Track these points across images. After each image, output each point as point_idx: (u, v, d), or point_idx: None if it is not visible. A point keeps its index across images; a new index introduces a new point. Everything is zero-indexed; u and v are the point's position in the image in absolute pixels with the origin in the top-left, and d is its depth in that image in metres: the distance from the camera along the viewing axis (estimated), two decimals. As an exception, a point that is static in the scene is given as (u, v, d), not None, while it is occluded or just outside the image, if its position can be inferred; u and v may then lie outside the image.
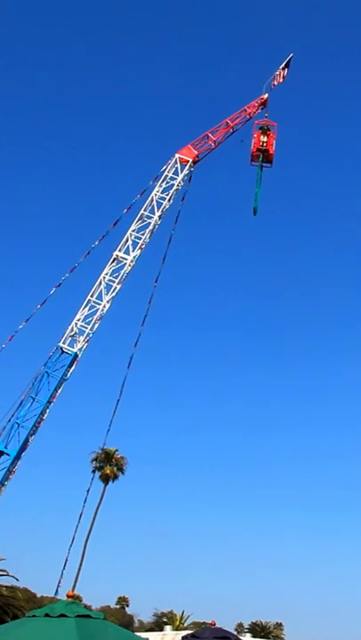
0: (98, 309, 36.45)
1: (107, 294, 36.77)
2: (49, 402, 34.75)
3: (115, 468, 68.68)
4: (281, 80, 40.76)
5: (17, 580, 41.23)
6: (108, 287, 36.94)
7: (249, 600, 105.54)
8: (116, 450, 68.40)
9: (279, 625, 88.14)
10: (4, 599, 37.92)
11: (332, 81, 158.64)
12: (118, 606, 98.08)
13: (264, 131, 40.67)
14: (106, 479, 67.17)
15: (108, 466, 67.86)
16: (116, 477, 68.62)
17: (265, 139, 40.36)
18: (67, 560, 37.52)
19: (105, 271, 37.27)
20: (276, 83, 40.89)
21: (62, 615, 9.55)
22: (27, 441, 34.00)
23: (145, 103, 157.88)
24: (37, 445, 35.35)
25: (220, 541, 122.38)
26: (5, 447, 33.37)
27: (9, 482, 33.38)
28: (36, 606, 32.14)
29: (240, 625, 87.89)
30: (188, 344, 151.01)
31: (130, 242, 37.80)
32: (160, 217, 38.78)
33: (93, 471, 67.20)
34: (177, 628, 50.78)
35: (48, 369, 35.04)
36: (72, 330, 35.87)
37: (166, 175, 39.22)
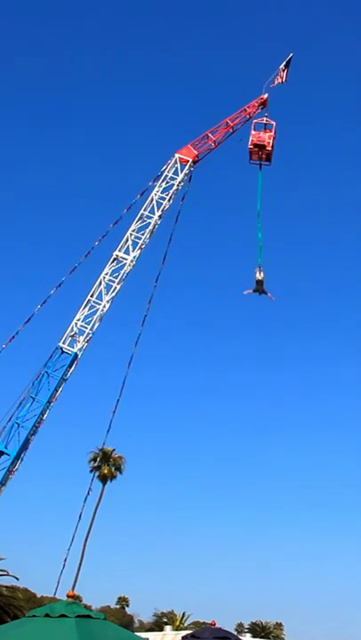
0: (98, 309, 36.42)
1: (107, 294, 36.73)
2: (49, 402, 34.71)
3: (113, 468, 68.66)
4: (282, 80, 40.65)
5: (17, 579, 41.27)
6: (108, 287, 36.91)
7: (249, 600, 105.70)
8: (114, 449, 68.40)
9: (279, 625, 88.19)
10: (4, 599, 37.91)
11: (333, 81, 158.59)
12: (118, 606, 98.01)
13: (262, 127, 40.57)
14: (104, 479, 67.16)
15: (105, 465, 67.84)
16: (114, 477, 68.62)
17: (263, 135, 40.20)
18: (66, 560, 37.51)
19: (105, 271, 37.23)
20: (276, 83, 40.81)
21: (62, 615, 9.55)
22: (27, 441, 33.96)
23: (145, 103, 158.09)
24: (36, 445, 35.31)
25: (220, 541, 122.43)
26: (5, 447, 33.34)
27: (9, 482, 33.34)
28: (36, 606, 32.05)
29: (240, 625, 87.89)
30: (188, 343, 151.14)
31: (130, 242, 37.76)
32: (160, 217, 38.73)
33: (92, 471, 67.25)
34: (177, 628, 50.80)
35: (48, 369, 34.99)
36: (72, 330, 35.83)
37: (166, 175, 39.18)
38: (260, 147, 40.05)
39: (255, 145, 40.01)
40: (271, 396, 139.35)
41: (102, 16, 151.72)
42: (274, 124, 40.70)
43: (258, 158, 40.52)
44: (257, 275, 37.45)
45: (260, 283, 37.36)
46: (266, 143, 39.99)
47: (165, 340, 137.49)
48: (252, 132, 40.30)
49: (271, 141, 40.24)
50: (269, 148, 40.18)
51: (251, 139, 40.08)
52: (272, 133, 40.42)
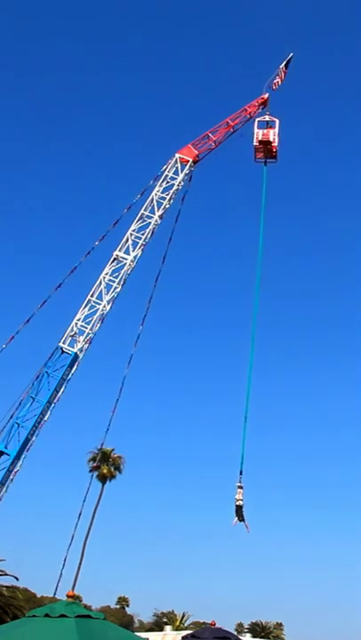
0: (98, 309, 36.38)
1: (107, 294, 36.70)
2: (50, 402, 34.64)
3: (112, 468, 68.69)
4: (280, 81, 40.61)
5: (17, 579, 41.23)
6: (109, 287, 36.87)
7: (249, 600, 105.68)
8: (113, 449, 68.41)
9: (279, 625, 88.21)
10: (4, 599, 37.90)
11: (334, 81, 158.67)
12: (118, 606, 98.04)
13: (265, 125, 40.56)
14: (103, 479, 67.19)
15: (105, 465, 67.85)
16: (113, 477, 68.67)
17: (267, 132, 40.17)
18: (66, 560, 37.51)
19: (105, 271, 37.19)
20: (275, 82, 40.77)
21: (62, 615, 9.56)
22: (27, 441, 33.92)
23: (145, 103, 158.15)
24: (36, 445, 35.27)
25: (220, 541, 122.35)
26: (5, 447, 33.31)
27: (11, 482, 33.28)
28: (36, 606, 32.06)
29: (240, 625, 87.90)
30: (188, 343, 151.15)
31: (130, 242, 37.72)
32: (160, 217, 38.69)
33: (91, 471, 67.27)
34: (177, 628, 50.79)
35: (48, 369, 34.95)
36: (72, 330, 35.79)
37: (167, 175, 39.14)
38: (266, 143, 40.00)
39: (261, 142, 39.97)
40: (272, 397, 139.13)
41: (102, 15, 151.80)
42: (277, 121, 40.75)
43: (263, 156, 40.48)
44: (237, 496, 32.20)
45: (239, 509, 32.17)
46: (272, 139, 39.95)
47: (165, 339, 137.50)
48: (256, 130, 40.29)
49: (276, 138, 40.22)
50: (275, 144, 40.15)
51: (255, 136, 40.06)
52: (276, 130, 40.42)
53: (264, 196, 39.68)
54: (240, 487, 32.13)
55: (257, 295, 36.99)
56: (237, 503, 31.75)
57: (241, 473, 32.36)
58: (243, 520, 31.99)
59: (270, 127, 40.52)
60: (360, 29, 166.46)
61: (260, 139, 39.94)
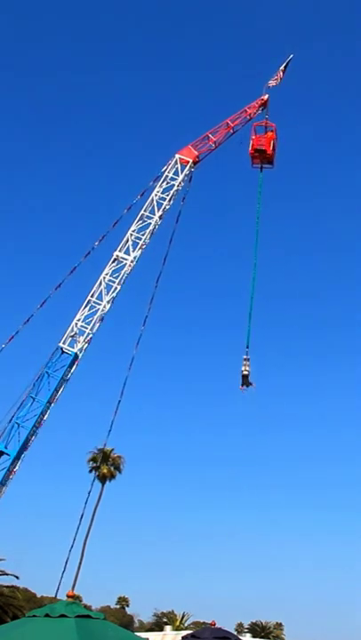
0: (98, 309, 36.38)
1: (107, 294, 36.70)
2: (49, 402, 34.66)
3: (112, 468, 68.66)
4: (278, 82, 40.55)
5: (17, 578, 41.30)
6: (109, 287, 36.88)
7: (249, 600, 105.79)
8: (113, 449, 68.38)
9: (279, 625, 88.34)
10: (4, 599, 38.01)
11: (334, 81, 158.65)
12: (118, 606, 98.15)
13: (263, 130, 40.53)
14: (103, 479, 67.13)
15: (105, 465, 67.79)
16: (113, 477, 68.64)
17: (263, 140, 40.15)
18: (67, 561, 37.31)
19: (105, 271, 37.19)
20: (274, 84, 40.72)
21: (62, 615, 9.58)
22: (27, 441, 33.95)
23: (145, 103, 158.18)
24: (36, 445, 35.29)
25: (220, 541, 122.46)
26: (5, 447, 33.34)
27: (10, 482, 33.31)
28: (36, 606, 32.13)
29: (240, 625, 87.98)
30: (188, 343, 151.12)
31: (130, 242, 37.72)
32: (160, 217, 38.66)
33: (90, 471, 67.27)
34: (177, 628, 50.80)
35: (48, 369, 34.95)
36: (72, 330, 35.80)
37: (167, 176, 39.12)
38: (261, 152, 40.01)
39: (256, 150, 39.97)
40: (272, 397, 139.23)
41: (102, 15, 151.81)
42: (274, 126, 40.71)
43: (260, 162, 40.45)
44: (243, 367, 36.16)
45: (245, 377, 36.22)
46: (265, 148, 39.95)
47: (165, 339, 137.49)
48: (253, 137, 40.23)
49: (272, 144, 40.15)
50: (270, 152, 40.13)
51: (251, 143, 40.02)
52: (273, 135, 40.36)
53: (259, 203, 39.74)
54: (247, 359, 36.29)
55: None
56: (244, 373, 36.06)
57: (248, 347, 36.80)
58: (249, 385, 36.27)
59: (268, 132, 40.47)
60: (360, 29, 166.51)
61: (255, 147, 39.92)
